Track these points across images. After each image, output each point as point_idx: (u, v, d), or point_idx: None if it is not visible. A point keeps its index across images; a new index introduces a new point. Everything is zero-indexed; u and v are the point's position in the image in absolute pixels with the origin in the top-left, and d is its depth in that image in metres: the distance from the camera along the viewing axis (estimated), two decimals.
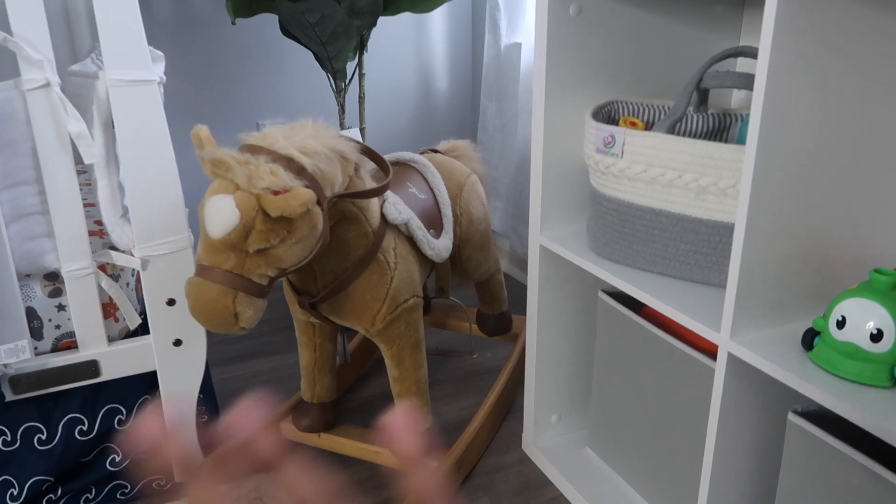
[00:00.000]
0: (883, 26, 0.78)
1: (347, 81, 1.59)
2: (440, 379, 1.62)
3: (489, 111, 2.07)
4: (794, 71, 0.75)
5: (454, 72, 2.27)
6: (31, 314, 1.10)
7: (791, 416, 0.84)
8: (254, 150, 0.93)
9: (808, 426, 0.81)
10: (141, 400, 1.22)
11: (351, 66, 1.60)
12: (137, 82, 1.04)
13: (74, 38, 1.66)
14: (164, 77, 1.10)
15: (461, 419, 1.47)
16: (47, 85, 0.99)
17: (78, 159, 1.06)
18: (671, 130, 1.01)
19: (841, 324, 0.76)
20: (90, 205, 1.22)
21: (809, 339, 0.81)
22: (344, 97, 1.60)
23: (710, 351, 0.99)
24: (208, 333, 1.21)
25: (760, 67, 0.74)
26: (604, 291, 1.17)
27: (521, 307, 1.74)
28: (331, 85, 1.60)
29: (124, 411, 1.21)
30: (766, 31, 0.73)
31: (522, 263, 2.18)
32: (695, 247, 0.98)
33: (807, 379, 0.76)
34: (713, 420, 0.90)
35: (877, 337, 0.73)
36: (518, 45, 1.88)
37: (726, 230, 0.94)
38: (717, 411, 0.89)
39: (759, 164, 0.77)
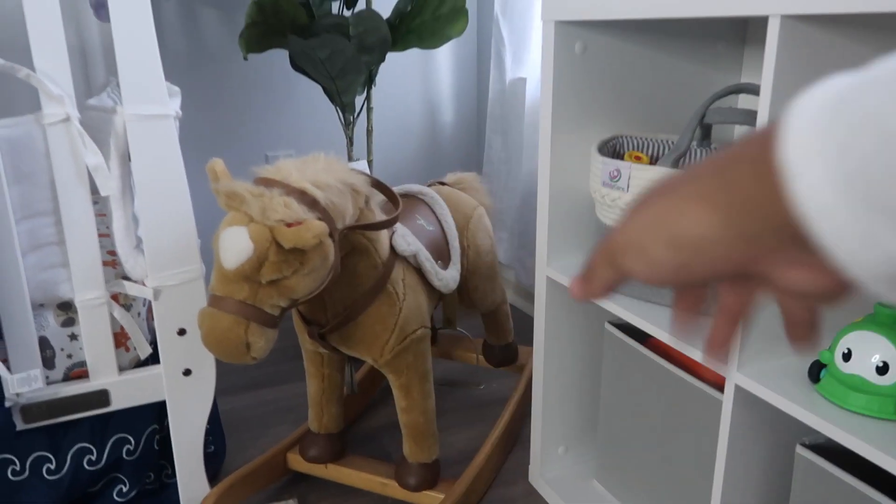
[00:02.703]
0: None
1: (356, 115, 1.62)
2: (447, 409, 1.62)
3: (495, 144, 2.10)
4: None
5: (460, 106, 2.31)
6: (43, 343, 1.12)
7: (799, 449, 0.84)
8: (268, 182, 0.95)
9: (816, 459, 0.82)
10: (149, 430, 1.23)
11: (359, 100, 1.63)
12: (154, 117, 1.06)
13: (89, 73, 1.70)
14: (180, 112, 1.13)
15: (468, 449, 1.46)
16: (67, 119, 1.02)
17: (92, 190, 1.08)
18: (676, 165, 1.03)
19: (847, 356, 0.77)
20: (104, 235, 1.24)
21: (816, 371, 0.81)
22: (352, 130, 1.63)
23: (717, 383, 1.00)
24: (217, 363, 1.22)
25: (762, 103, 0.76)
26: (610, 323, 1.18)
27: (527, 338, 1.74)
28: (339, 118, 1.63)
29: (133, 441, 1.21)
30: (767, 69, 0.75)
31: (527, 294, 2.19)
32: None
33: (814, 411, 0.77)
34: (721, 452, 0.90)
35: (882, 370, 0.74)
36: (523, 80, 1.92)
37: None
38: (725, 443, 0.89)
39: None
